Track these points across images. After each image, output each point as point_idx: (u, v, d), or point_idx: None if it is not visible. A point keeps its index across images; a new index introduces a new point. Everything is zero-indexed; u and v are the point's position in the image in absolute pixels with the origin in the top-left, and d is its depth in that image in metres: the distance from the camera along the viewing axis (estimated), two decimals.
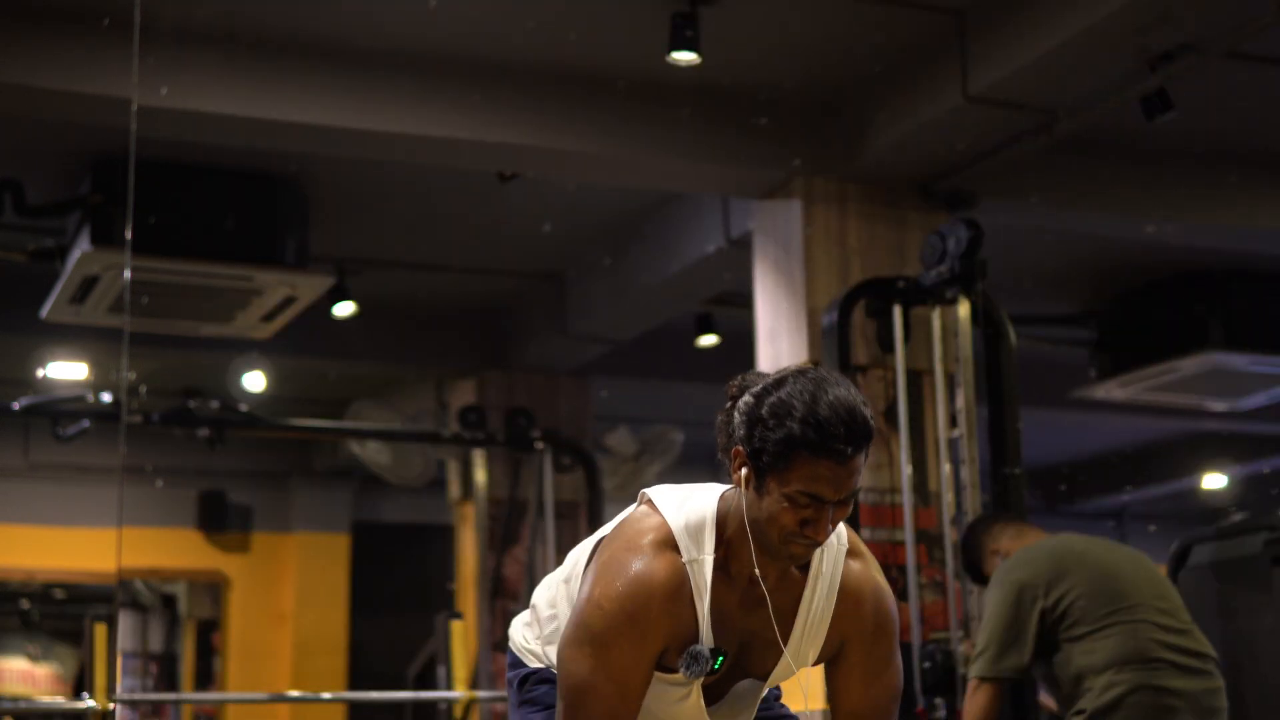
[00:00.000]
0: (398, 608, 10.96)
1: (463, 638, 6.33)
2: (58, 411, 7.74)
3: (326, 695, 9.68)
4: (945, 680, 5.09)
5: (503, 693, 7.95)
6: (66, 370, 8.30)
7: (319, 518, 11.23)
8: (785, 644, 2.30)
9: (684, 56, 5.01)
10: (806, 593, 2.31)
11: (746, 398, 2.21)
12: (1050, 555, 4.01)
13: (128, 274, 5.75)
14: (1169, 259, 7.47)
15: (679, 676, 2.26)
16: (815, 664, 2.39)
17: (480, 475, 8.40)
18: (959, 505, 5.32)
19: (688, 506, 2.28)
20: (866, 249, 5.79)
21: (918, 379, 5.59)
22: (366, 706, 10.62)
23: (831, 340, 5.43)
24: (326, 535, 11.22)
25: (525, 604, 2.58)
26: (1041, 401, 8.11)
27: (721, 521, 2.26)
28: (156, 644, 13.36)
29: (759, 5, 5.11)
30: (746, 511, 2.20)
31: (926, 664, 5.12)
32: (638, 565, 2.21)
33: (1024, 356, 5.63)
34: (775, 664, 2.34)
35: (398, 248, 7.48)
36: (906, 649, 5.24)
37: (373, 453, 9.19)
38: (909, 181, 5.83)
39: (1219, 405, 8.63)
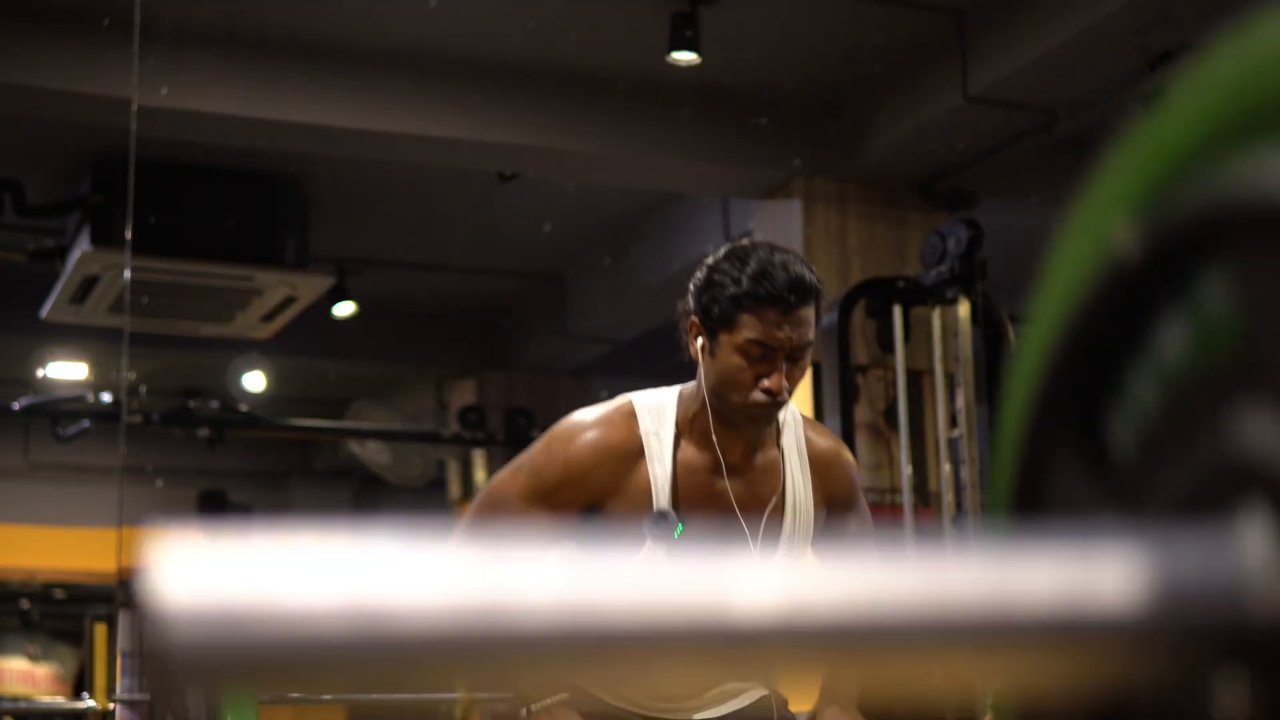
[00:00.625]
0: None
1: None
2: (58, 411, 7.74)
3: (326, 695, 9.66)
4: None
5: (503, 693, 7.96)
6: (66, 370, 8.30)
7: (319, 518, 11.23)
8: (781, 524, 2.34)
9: (684, 56, 5.02)
10: (786, 474, 2.36)
11: (697, 273, 2.32)
12: None
13: (128, 274, 5.74)
14: None
15: (645, 551, 2.25)
16: (813, 537, 2.43)
17: (480, 475, 8.39)
18: (959, 505, 5.31)
19: (652, 394, 2.38)
20: (866, 249, 5.79)
21: (918, 379, 5.59)
22: (366, 706, 10.61)
23: (831, 340, 5.43)
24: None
25: None
26: None
27: (684, 401, 2.34)
28: None
29: (759, 5, 5.11)
30: (705, 381, 2.29)
31: None
32: (594, 429, 2.29)
33: None
34: (777, 529, 2.36)
35: (398, 248, 7.47)
36: None
37: (373, 453, 9.19)
38: (909, 181, 5.83)
39: None
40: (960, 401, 5.36)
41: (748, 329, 2.22)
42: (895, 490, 5.48)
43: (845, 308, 5.46)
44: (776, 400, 2.25)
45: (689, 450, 2.32)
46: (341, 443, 9.98)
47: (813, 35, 5.30)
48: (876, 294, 5.55)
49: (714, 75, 5.43)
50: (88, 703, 5.09)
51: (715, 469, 2.32)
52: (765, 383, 2.23)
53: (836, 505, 2.43)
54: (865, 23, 5.22)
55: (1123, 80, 5.26)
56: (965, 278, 5.29)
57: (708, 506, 2.31)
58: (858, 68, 5.51)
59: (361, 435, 8.97)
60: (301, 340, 7.69)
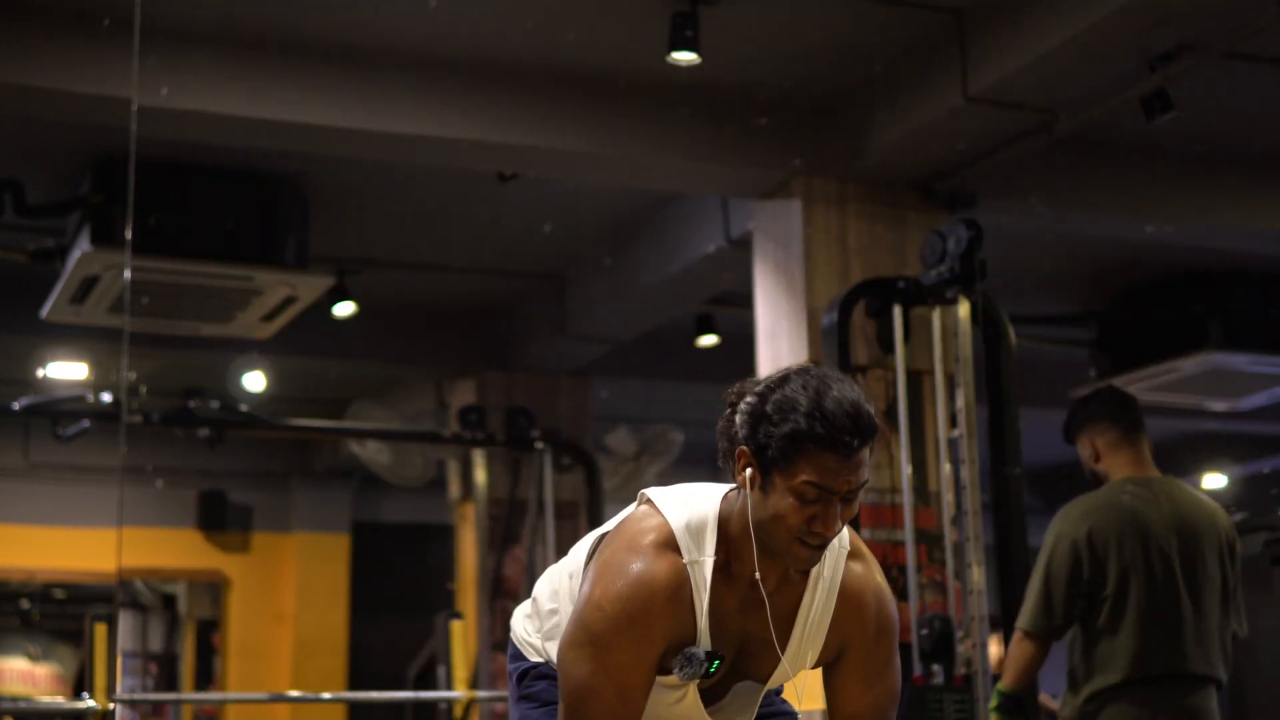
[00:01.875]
0: (398, 608, 10.96)
1: (463, 638, 6.33)
2: (58, 411, 7.73)
3: (326, 695, 9.68)
4: (943, 647, 5.11)
5: (503, 692, 7.96)
6: (66, 370, 8.30)
7: (319, 518, 11.23)
8: (784, 648, 2.30)
9: (684, 56, 5.01)
10: (806, 595, 2.30)
11: (749, 398, 2.20)
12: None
13: (128, 274, 5.75)
14: (1169, 259, 7.47)
15: (674, 679, 2.25)
16: (814, 666, 2.38)
17: (480, 475, 8.40)
18: (959, 505, 5.31)
19: (689, 507, 2.27)
20: (866, 249, 5.79)
21: (918, 379, 5.59)
22: (366, 706, 10.62)
23: (831, 340, 5.43)
24: (326, 535, 11.22)
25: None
26: (1041, 401, 8.10)
27: (724, 522, 2.25)
28: (156, 644, 13.36)
29: (759, 5, 5.11)
30: (751, 513, 2.19)
31: (924, 631, 5.14)
32: (638, 566, 2.20)
33: (1024, 356, 5.63)
34: (774, 667, 2.33)
35: (398, 248, 7.47)
36: (905, 647, 5.24)
37: (373, 453, 9.19)
38: (909, 181, 5.83)
39: (1219, 405, 8.63)
40: (960, 401, 5.36)
41: (805, 474, 2.12)
42: (895, 490, 5.48)
43: (845, 308, 5.46)
44: (825, 543, 2.19)
45: (727, 575, 2.25)
46: (341, 443, 9.98)
47: (813, 35, 5.30)
48: (876, 294, 5.55)
49: (714, 75, 5.43)
50: (88, 703, 5.09)
51: (748, 594, 2.26)
52: (816, 526, 2.15)
53: (859, 646, 2.35)
54: (865, 23, 5.22)
55: (1123, 80, 5.26)
56: (965, 278, 5.29)
57: (739, 628, 2.28)
58: (858, 68, 5.51)
59: (361, 435, 8.98)
60: (301, 340, 7.70)
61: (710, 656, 2.23)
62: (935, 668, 5.15)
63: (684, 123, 5.63)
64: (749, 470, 2.18)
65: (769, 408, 2.16)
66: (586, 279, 7.69)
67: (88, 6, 4.97)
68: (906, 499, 5.39)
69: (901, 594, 5.34)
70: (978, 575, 5.22)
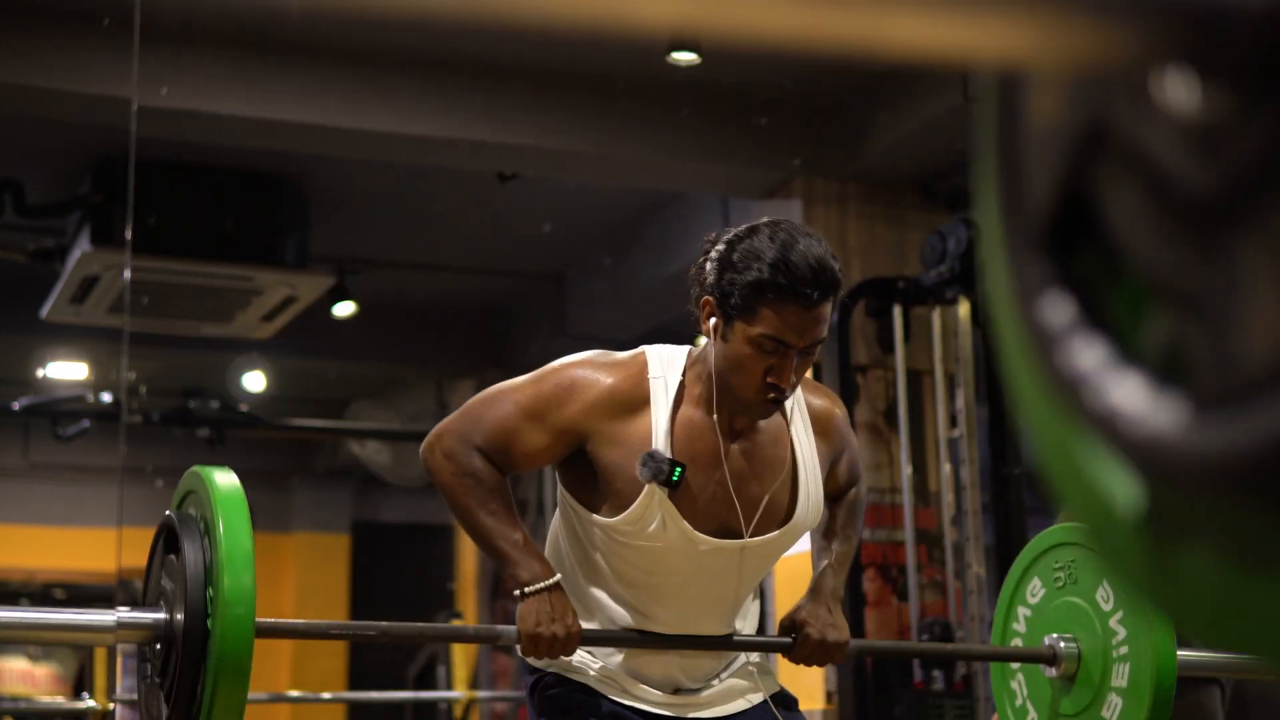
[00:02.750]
0: (398, 608, 10.96)
1: None
2: (58, 411, 7.74)
3: (326, 695, 9.68)
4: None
5: (503, 693, 7.97)
6: (66, 370, 8.30)
7: (319, 518, 11.23)
8: (796, 487, 2.34)
9: (684, 56, 5.01)
10: (793, 437, 2.35)
11: (719, 245, 2.24)
12: None
13: (128, 274, 5.74)
14: None
15: (645, 499, 2.23)
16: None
17: None
18: (959, 505, 5.32)
19: (665, 346, 2.35)
20: (866, 249, 5.79)
21: (918, 379, 5.59)
22: (366, 706, 10.62)
23: (831, 340, 5.43)
24: (326, 535, 11.22)
25: None
26: None
27: (693, 361, 2.31)
28: None
29: None
30: (714, 363, 2.24)
31: (924, 637, 5.14)
32: (606, 369, 2.29)
33: None
34: (791, 502, 2.34)
35: (398, 248, 7.47)
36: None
37: (373, 453, 9.19)
38: (909, 181, 5.83)
39: None
40: (960, 401, 5.36)
41: (764, 324, 2.16)
42: (895, 490, 5.49)
43: (845, 308, 5.47)
44: (782, 394, 2.22)
45: (690, 409, 2.29)
46: (341, 443, 9.98)
47: None
48: (876, 294, 5.55)
49: (714, 75, 5.43)
50: (88, 703, 5.10)
51: (714, 432, 2.28)
52: (772, 377, 2.19)
53: (838, 459, 2.45)
54: None
55: None
56: (965, 278, 5.30)
57: (704, 466, 2.28)
58: (858, 68, 5.51)
59: (361, 435, 8.98)
60: (301, 340, 7.70)
61: (672, 464, 2.22)
62: (936, 673, 5.15)
63: (684, 123, 5.63)
64: (713, 319, 2.23)
65: (735, 255, 2.19)
66: (586, 279, 7.69)
67: (88, 6, 4.97)
68: (906, 499, 5.39)
69: (901, 594, 5.34)
70: (978, 575, 5.22)
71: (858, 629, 5.15)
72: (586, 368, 2.30)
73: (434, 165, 6.05)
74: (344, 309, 7.46)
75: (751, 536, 2.30)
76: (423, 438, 2.45)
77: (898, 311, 5.50)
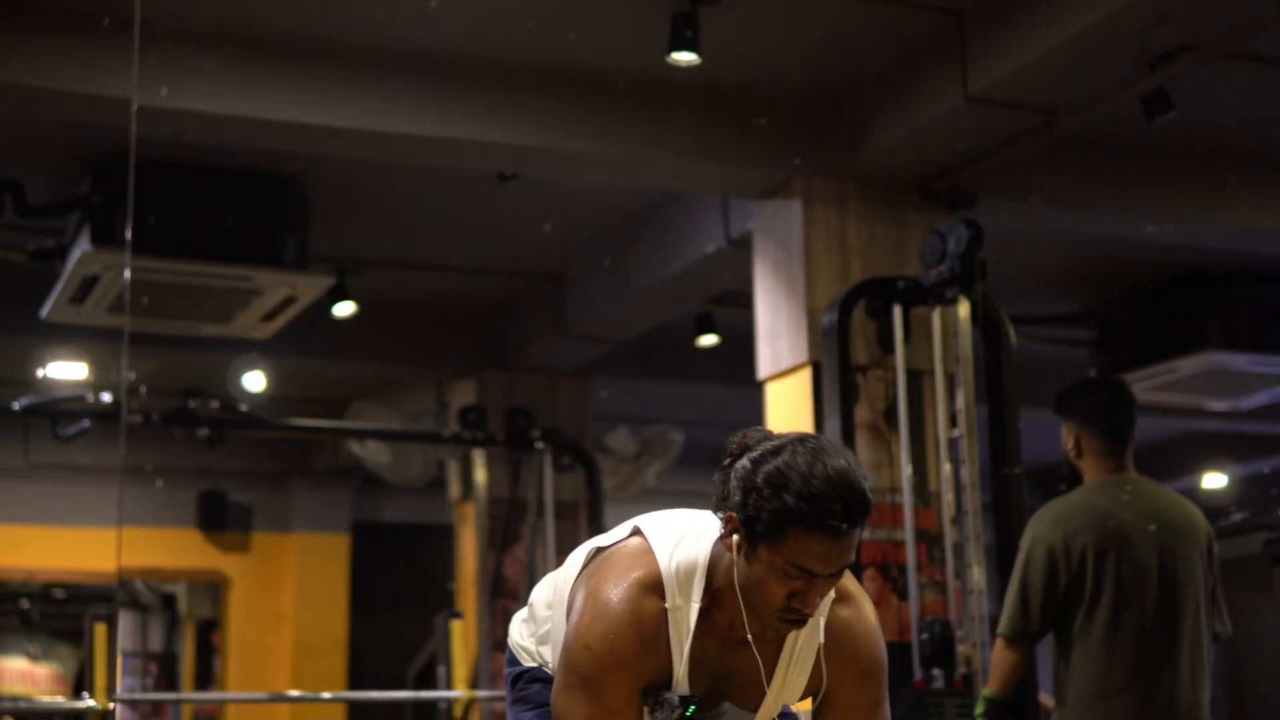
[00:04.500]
0: (398, 608, 10.96)
1: (463, 638, 6.33)
2: (58, 411, 7.74)
3: (326, 695, 9.68)
4: (943, 652, 5.11)
5: (503, 692, 7.96)
6: (66, 370, 8.30)
7: (319, 518, 11.23)
8: (769, 683, 2.29)
9: (684, 56, 5.01)
10: (790, 635, 2.29)
11: (744, 462, 2.17)
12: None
13: (128, 274, 5.75)
14: (1169, 259, 7.47)
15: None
16: (802, 699, 2.36)
17: (480, 475, 8.39)
18: (959, 505, 5.31)
19: (680, 549, 2.26)
20: (866, 249, 5.79)
21: (918, 379, 5.59)
22: (366, 706, 10.62)
23: (831, 340, 5.43)
24: (326, 535, 11.22)
25: (525, 603, 2.60)
26: (1041, 401, 8.09)
27: (712, 571, 2.24)
28: (156, 644, 13.36)
29: (759, 5, 5.11)
30: (736, 577, 2.18)
31: (924, 635, 5.14)
32: (623, 606, 2.20)
33: (1024, 356, 5.63)
34: (760, 698, 2.33)
35: (398, 248, 7.47)
36: (905, 649, 5.24)
37: (373, 453, 9.19)
38: (909, 181, 5.83)
39: (1219, 405, 8.63)
40: (960, 401, 5.36)
41: (790, 554, 2.09)
42: (895, 490, 5.49)
43: (845, 308, 5.46)
44: (803, 620, 2.17)
45: (710, 621, 2.25)
46: (341, 443, 9.98)
47: (813, 35, 5.30)
48: (876, 294, 5.55)
49: (714, 75, 5.43)
50: (88, 703, 5.09)
51: (729, 634, 2.25)
52: (796, 602, 2.13)
53: (844, 687, 2.32)
54: (865, 23, 5.22)
55: (1123, 80, 5.26)
56: (965, 278, 5.29)
57: (720, 666, 2.28)
58: (858, 68, 5.51)
59: (361, 435, 8.98)
60: (301, 340, 7.70)
61: (685, 701, 2.23)
62: (935, 672, 5.14)
63: (684, 123, 5.63)
64: (736, 537, 2.16)
65: (760, 479, 2.12)
66: (586, 279, 7.69)
67: (88, 6, 4.97)
68: (906, 499, 5.39)
69: (901, 594, 5.34)
70: (978, 575, 5.22)
71: None
72: (609, 616, 2.20)
73: (434, 165, 6.05)
74: (344, 309, 7.46)
75: None
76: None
77: (898, 311, 5.50)
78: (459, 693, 6.20)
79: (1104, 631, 3.86)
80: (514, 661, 2.54)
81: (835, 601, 2.31)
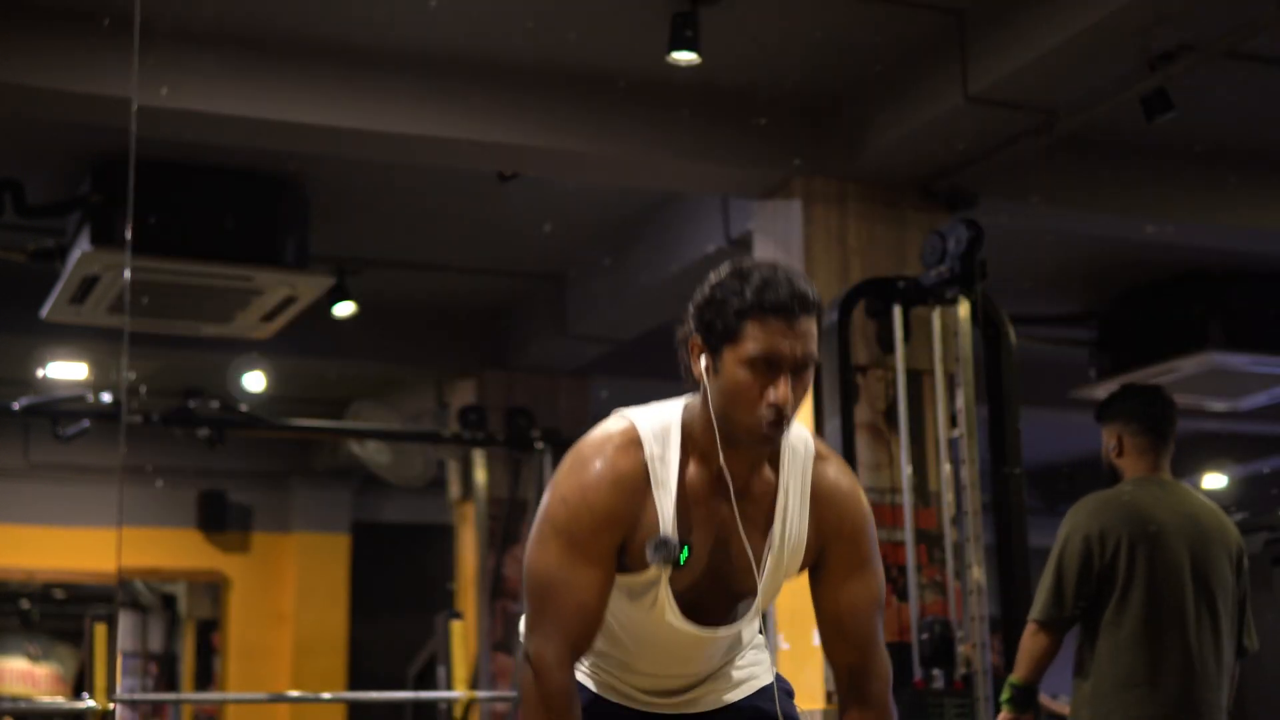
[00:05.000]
0: (398, 608, 10.96)
1: (463, 638, 6.34)
2: (58, 411, 7.74)
3: (326, 695, 9.68)
4: (943, 652, 5.10)
5: (503, 693, 7.96)
6: (66, 370, 8.30)
7: (319, 518, 11.24)
8: (764, 555, 2.32)
9: (684, 56, 5.01)
10: (780, 499, 2.33)
11: (696, 294, 2.30)
12: None
13: (128, 274, 5.75)
14: (1169, 259, 7.47)
15: (648, 574, 2.28)
16: (801, 570, 2.41)
17: (480, 475, 8.40)
18: (959, 505, 5.31)
19: (654, 412, 2.35)
20: (866, 249, 5.79)
21: (918, 379, 5.59)
22: (366, 706, 10.62)
23: (831, 340, 5.43)
24: (326, 535, 11.23)
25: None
26: (1041, 401, 8.10)
27: (688, 423, 2.31)
28: (156, 644, 13.36)
29: (759, 5, 5.11)
30: (710, 401, 2.25)
31: (924, 636, 5.14)
32: (601, 461, 2.27)
33: (1024, 356, 5.63)
34: (756, 574, 2.35)
35: (398, 248, 7.47)
36: (905, 649, 5.24)
37: (373, 453, 9.19)
38: (909, 181, 5.83)
39: (1219, 405, 8.63)
40: (960, 401, 5.36)
41: (752, 342, 2.19)
42: (895, 490, 5.49)
43: (845, 308, 5.46)
44: (782, 415, 2.22)
45: (693, 472, 2.30)
46: (341, 443, 9.98)
47: (813, 35, 5.30)
48: (876, 294, 5.55)
49: (714, 75, 5.43)
50: (88, 703, 5.09)
51: (717, 491, 2.30)
52: (771, 396, 2.20)
53: (837, 546, 2.39)
54: (865, 23, 5.22)
55: (1123, 80, 5.26)
56: (965, 278, 5.29)
57: (710, 529, 2.30)
58: (858, 68, 5.51)
59: (361, 435, 8.98)
60: (301, 340, 7.70)
61: (678, 546, 2.26)
62: (935, 672, 5.14)
63: (684, 123, 5.63)
64: (703, 358, 2.26)
65: (707, 294, 2.27)
66: (586, 279, 7.69)
67: (88, 6, 4.97)
68: (906, 499, 5.39)
69: (901, 594, 5.34)
70: (978, 575, 5.22)
71: None
72: (589, 484, 2.27)
73: (434, 165, 6.05)
74: (344, 309, 7.47)
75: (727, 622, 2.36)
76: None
77: (897, 311, 5.50)
78: (459, 693, 6.20)
79: (1133, 624, 3.90)
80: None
81: (816, 459, 2.37)
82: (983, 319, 5.41)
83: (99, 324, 6.87)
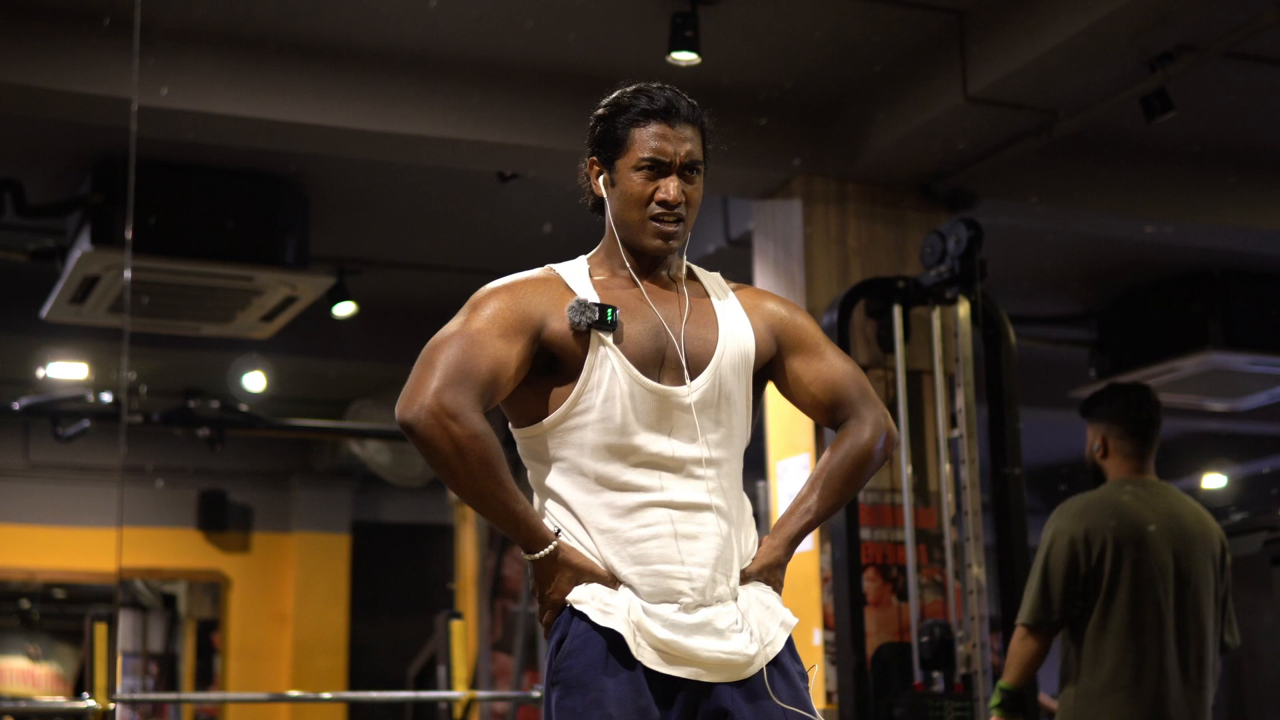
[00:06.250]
0: (398, 608, 10.97)
1: (463, 638, 6.33)
2: (58, 411, 7.75)
3: (326, 695, 9.67)
4: (943, 654, 5.11)
5: (503, 692, 7.97)
6: (66, 370, 8.30)
7: (319, 518, 11.24)
8: (719, 328, 2.45)
9: (684, 56, 5.02)
10: (717, 307, 2.50)
11: (589, 123, 2.55)
12: None
13: (128, 274, 5.75)
14: (1169, 259, 7.47)
15: (591, 359, 2.36)
16: (759, 365, 2.50)
17: None
18: (959, 505, 5.31)
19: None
20: (866, 249, 5.79)
21: (918, 379, 5.59)
22: (366, 706, 10.62)
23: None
24: (326, 535, 11.23)
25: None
26: (1041, 401, 8.10)
27: (593, 254, 2.56)
28: (156, 644, 13.37)
29: (759, 5, 5.12)
30: (611, 216, 2.51)
31: (924, 639, 5.14)
32: (509, 277, 2.50)
33: (1024, 356, 5.63)
34: (715, 336, 2.45)
35: (398, 248, 7.48)
36: (905, 649, 5.24)
37: (373, 453, 9.19)
38: (909, 181, 5.84)
39: (1219, 405, 8.63)
40: (960, 401, 5.36)
41: (637, 147, 2.46)
42: (895, 490, 5.49)
43: (845, 308, 5.46)
44: (673, 211, 2.45)
45: (603, 274, 2.50)
46: (341, 443, 9.99)
47: (813, 35, 5.30)
48: (876, 294, 5.55)
49: (714, 75, 5.43)
50: (88, 703, 5.09)
51: (631, 282, 2.47)
52: (660, 194, 2.44)
53: (790, 333, 2.55)
54: (865, 23, 5.23)
55: (1122, 80, 5.26)
56: (965, 278, 5.29)
57: (635, 315, 2.42)
58: (858, 68, 5.51)
59: (361, 435, 8.98)
60: (301, 340, 7.70)
61: (601, 306, 2.38)
62: (935, 674, 5.14)
63: None
64: (600, 176, 2.54)
65: (601, 111, 2.54)
66: None
67: (88, 6, 4.97)
68: (906, 499, 5.39)
69: (901, 594, 5.34)
70: (978, 575, 5.22)
71: (858, 629, 5.14)
72: (501, 280, 2.48)
73: (434, 165, 6.05)
74: (344, 309, 7.47)
75: (691, 379, 2.40)
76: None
77: (897, 311, 5.50)
78: (459, 693, 6.20)
79: (1117, 627, 3.90)
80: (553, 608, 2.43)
81: (735, 288, 2.58)
82: (983, 319, 5.41)
83: (99, 324, 6.87)
